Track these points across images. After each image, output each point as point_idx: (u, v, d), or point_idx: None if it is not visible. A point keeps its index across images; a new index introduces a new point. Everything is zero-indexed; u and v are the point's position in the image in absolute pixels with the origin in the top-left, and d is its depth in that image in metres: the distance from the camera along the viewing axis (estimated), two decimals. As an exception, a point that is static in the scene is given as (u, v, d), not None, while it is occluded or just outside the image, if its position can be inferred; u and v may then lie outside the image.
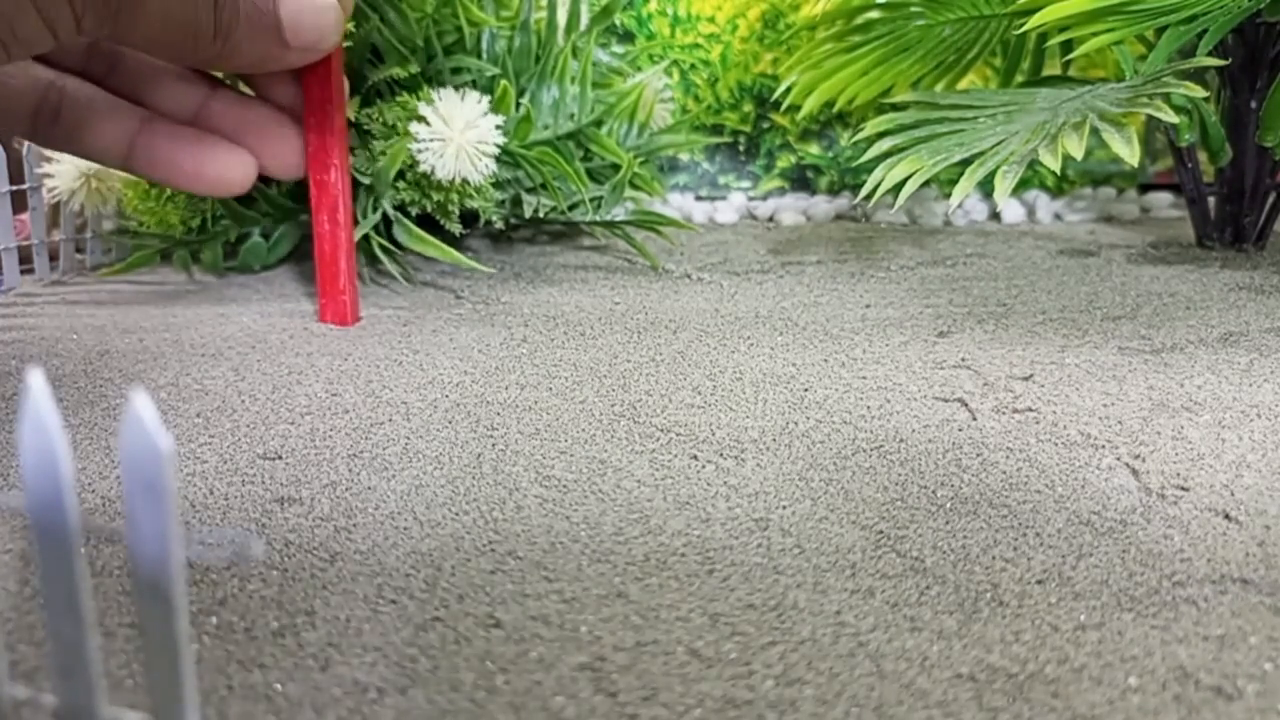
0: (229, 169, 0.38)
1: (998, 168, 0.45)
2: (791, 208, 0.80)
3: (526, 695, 0.19)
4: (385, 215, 0.52)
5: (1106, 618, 0.22)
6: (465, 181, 0.50)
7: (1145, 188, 0.87)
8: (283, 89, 0.41)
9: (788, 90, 0.69)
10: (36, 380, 0.13)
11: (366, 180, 0.51)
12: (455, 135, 0.48)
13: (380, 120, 0.51)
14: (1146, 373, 0.38)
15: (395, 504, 0.28)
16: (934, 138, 0.50)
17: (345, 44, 0.51)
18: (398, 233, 0.52)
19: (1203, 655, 0.20)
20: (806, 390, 0.37)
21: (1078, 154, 0.43)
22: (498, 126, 0.48)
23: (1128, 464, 0.30)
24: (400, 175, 0.52)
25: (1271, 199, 0.61)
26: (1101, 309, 0.48)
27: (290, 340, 0.44)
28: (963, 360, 0.40)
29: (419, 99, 0.50)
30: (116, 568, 0.24)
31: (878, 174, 0.48)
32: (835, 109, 0.69)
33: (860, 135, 0.54)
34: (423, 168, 0.48)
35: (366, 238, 0.51)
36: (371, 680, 0.20)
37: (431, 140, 0.48)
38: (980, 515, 0.27)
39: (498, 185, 0.56)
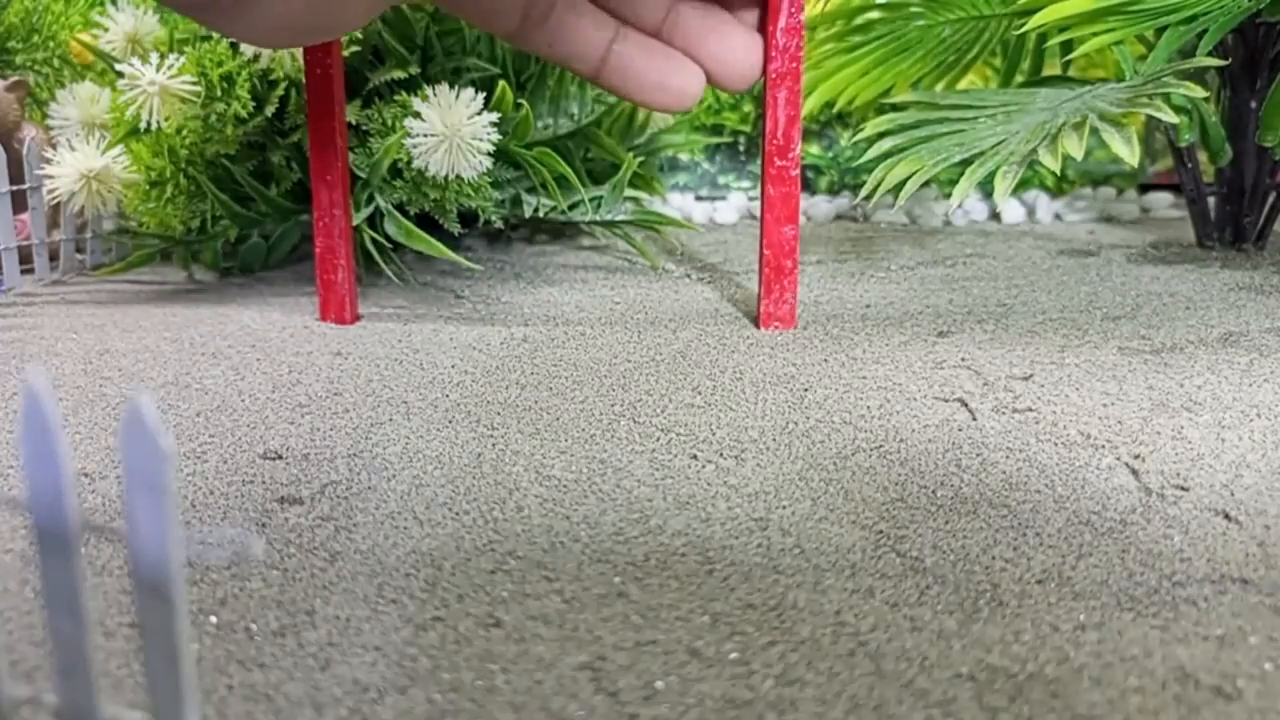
0: (689, 83, 0.38)
1: (998, 168, 0.45)
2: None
3: (527, 695, 0.19)
4: (378, 210, 0.52)
5: (1106, 618, 0.22)
6: (461, 179, 0.49)
7: (1145, 188, 0.87)
8: (742, 9, 0.40)
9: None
10: (37, 380, 0.13)
11: (365, 175, 0.52)
12: (447, 132, 0.47)
13: (379, 120, 0.51)
14: (1146, 373, 0.38)
15: (395, 504, 0.28)
16: (934, 138, 0.50)
17: (353, 48, 0.51)
18: (389, 227, 0.52)
19: (1203, 655, 0.20)
20: (806, 390, 0.37)
21: (1077, 154, 0.43)
22: (492, 124, 0.48)
23: (1128, 464, 0.30)
24: (398, 174, 0.52)
25: (1271, 199, 0.61)
26: (1101, 309, 0.48)
27: (290, 339, 0.44)
28: (963, 360, 0.40)
29: (418, 97, 0.50)
30: (116, 568, 0.24)
31: (878, 174, 0.48)
32: (835, 109, 0.69)
33: (860, 135, 0.54)
34: (417, 164, 0.48)
35: (359, 232, 0.51)
36: (372, 680, 0.20)
37: (424, 136, 0.48)
38: (980, 515, 0.27)
39: (497, 185, 0.56)
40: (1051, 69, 0.64)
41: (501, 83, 0.53)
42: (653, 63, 0.38)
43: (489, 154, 0.48)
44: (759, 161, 0.82)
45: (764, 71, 0.42)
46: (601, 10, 0.38)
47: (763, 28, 0.42)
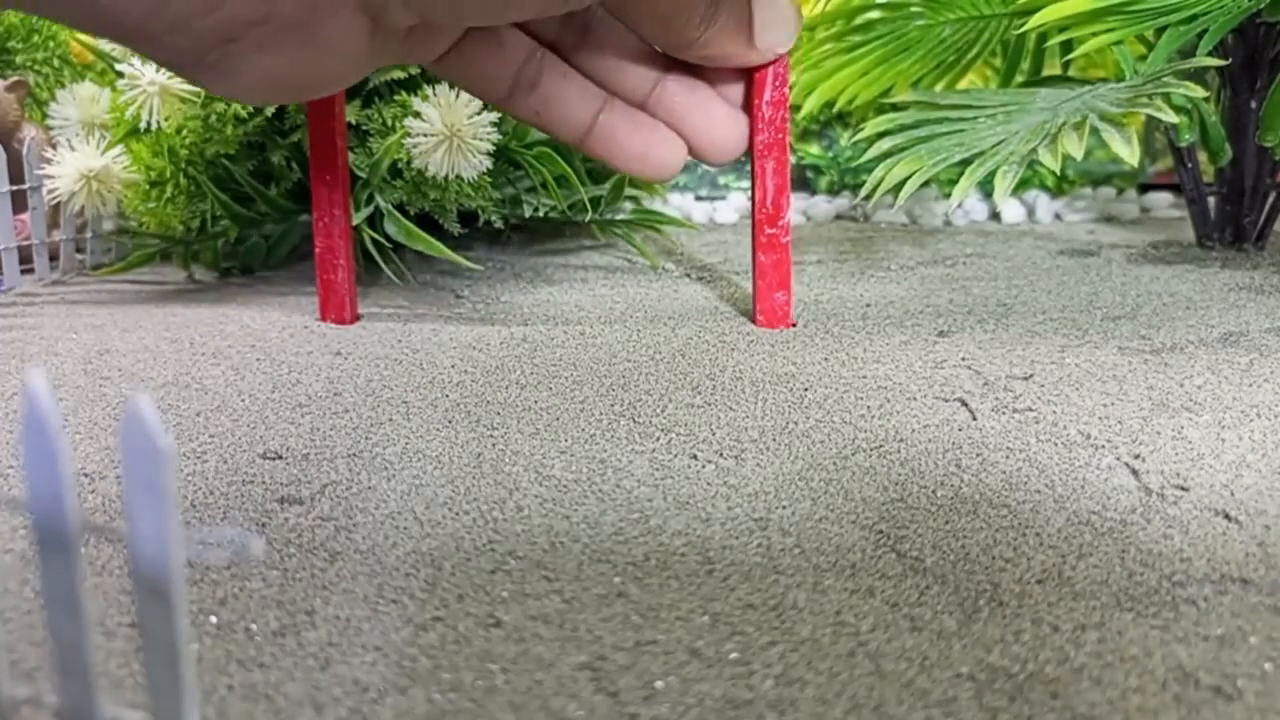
0: (671, 155, 0.38)
1: (997, 168, 0.45)
2: (792, 208, 0.80)
3: (527, 695, 0.19)
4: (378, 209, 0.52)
5: (1106, 618, 0.22)
6: (461, 179, 0.49)
7: (1145, 188, 0.87)
8: (728, 85, 0.41)
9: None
10: (37, 380, 0.13)
11: (364, 175, 0.52)
12: (447, 132, 0.47)
13: (379, 120, 0.51)
14: (1146, 373, 0.38)
15: (395, 504, 0.28)
16: (934, 138, 0.50)
17: None
18: (389, 227, 0.52)
19: (1203, 655, 0.20)
20: (806, 390, 0.37)
21: (1077, 154, 0.43)
22: (492, 124, 0.48)
23: (1128, 464, 0.30)
24: (398, 174, 0.52)
25: (1271, 199, 0.61)
26: (1101, 309, 0.48)
27: (290, 339, 0.44)
28: (963, 360, 0.40)
29: (418, 96, 0.50)
30: (116, 568, 0.24)
31: (877, 174, 0.48)
32: (835, 109, 0.69)
33: (860, 135, 0.54)
34: (417, 164, 0.48)
35: (359, 231, 0.51)
36: (372, 680, 0.20)
37: (424, 136, 0.48)
38: (980, 515, 0.27)
39: (497, 185, 0.56)
40: (1051, 69, 0.64)
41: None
42: (637, 134, 0.38)
43: (489, 154, 0.48)
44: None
45: (751, 142, 0.43)
46: (590, 81, 0.38)
47: (748, 102, 0.42)
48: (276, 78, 0.28)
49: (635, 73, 0.38)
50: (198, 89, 0.48)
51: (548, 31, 0.37)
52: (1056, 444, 0.32)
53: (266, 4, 0.25)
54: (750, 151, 0.44)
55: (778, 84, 0.43)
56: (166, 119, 0.49)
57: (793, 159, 0.83)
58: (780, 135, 0.44)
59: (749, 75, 0.42)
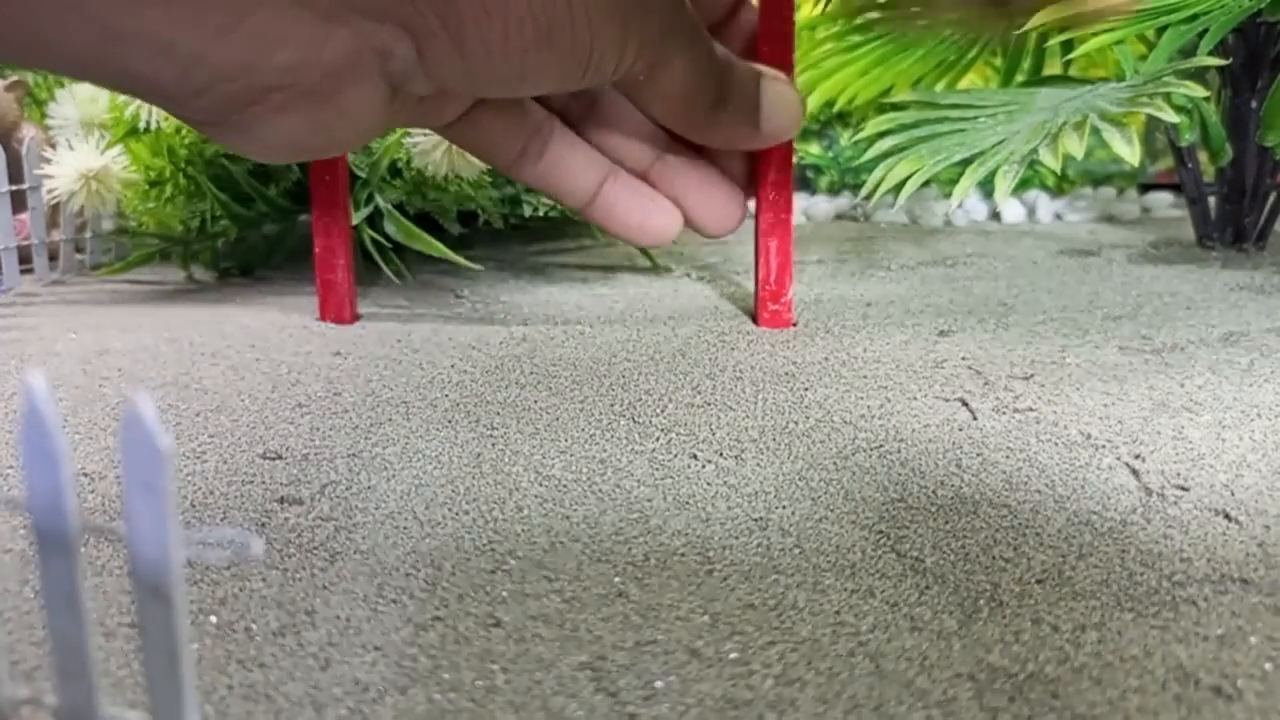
0: (668, 225, 0.39)
1: (998, 167, 0.45)
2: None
3: (527, 694, 0.19)
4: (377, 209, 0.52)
5: (1106, 618, 0.22)
6: (461, 179, 0.50)
7: (1145, 188, 0.87)
8: (729, 161, 0.42)
9: (788, 90, 0.69)
10: (37, 380, 0.13)
11: (364, 174, 0.52)
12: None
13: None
14: (1147, 373, 0.38)
15: (395, 504, 0.28)
16: (934, 137, 0.50)
17: None
18: (389, 226, 0.52)
19: (1203, 655, 0.20)
20: (806, 389, 0.37)
21: (1078, 153, 0.43)
22: None
23: (1128, 464, 0.30)
24: (398, 174, 0.52)
25: (1272, 199, 0.61)
26: (1102, 309, 0.48)
27: (289, 339, 0.44)
28: (963, 360, 0.40)
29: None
30: (116, 568, 0.24)
31: (878, 173, 0.48)
32: (835, 109, 0.69)
33: (860, 135, 0.53)
34: (416, 163, 0.48)
35: (359, 231, 0.51)
36: (372, 679, 0.20)
37: (424, 136, 0.48)
38: (980, 515, 0.27)
39: (497, 185, 0.56)
40: (1052, 69, 0.64)
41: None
42: (636, 205, 0.39)
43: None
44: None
45: (755, 222, 0.45)
46: (595, 150, 0.39)
47: (752, 179, 0.43)
48: (294, 139, 0.28)
49: (639, 146, 0.39)
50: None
51: (556, 101, 0.38)
52: (1057, 444, 0.32)
53: (292, 71, 0.26)
54: (755, 230, 0.45)
55: (781, 166, 0.44)
56: (165, 118, 0.49)
57: (793, 159, 0.83)
58: (784, 215, 0.45)
59: (753, 155, 0.43)
